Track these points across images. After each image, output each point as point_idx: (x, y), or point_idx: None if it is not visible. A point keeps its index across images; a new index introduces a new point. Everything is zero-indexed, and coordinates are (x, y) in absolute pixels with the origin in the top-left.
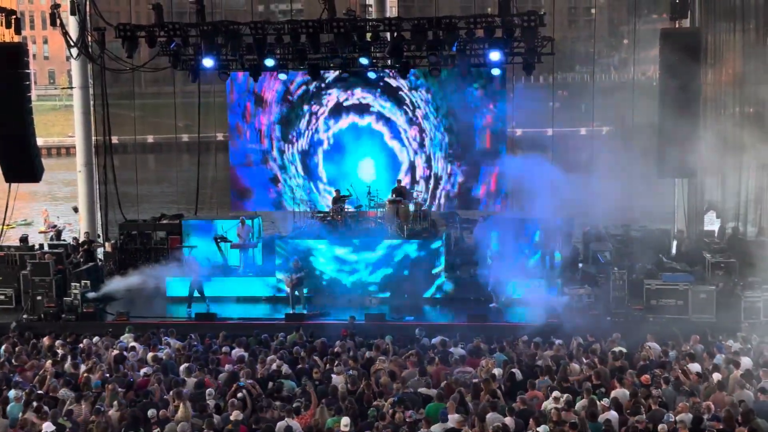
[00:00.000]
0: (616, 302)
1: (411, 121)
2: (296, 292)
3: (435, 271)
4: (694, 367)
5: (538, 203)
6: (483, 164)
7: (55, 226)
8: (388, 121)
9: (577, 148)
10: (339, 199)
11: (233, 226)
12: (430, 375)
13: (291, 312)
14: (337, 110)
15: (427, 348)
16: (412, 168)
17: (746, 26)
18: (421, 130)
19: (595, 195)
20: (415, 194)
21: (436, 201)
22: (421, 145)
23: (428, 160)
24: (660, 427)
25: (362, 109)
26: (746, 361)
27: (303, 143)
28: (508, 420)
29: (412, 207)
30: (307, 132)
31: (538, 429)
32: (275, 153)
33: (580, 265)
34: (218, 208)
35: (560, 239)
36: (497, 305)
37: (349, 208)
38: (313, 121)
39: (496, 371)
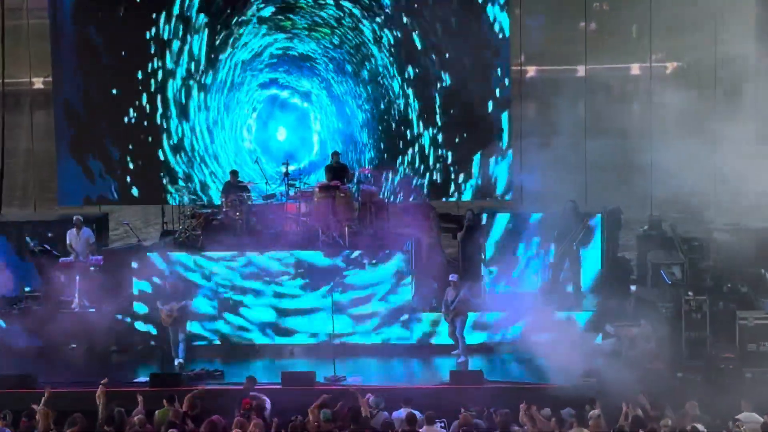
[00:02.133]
0: (691, 348)
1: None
2: (177, 335)
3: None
4: None
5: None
6: (476, 126)
7: None
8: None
9: (626, 97)
10: (237, 186)
11: (64, 231)
12: None
13: (160, 371)
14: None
15: (386, 428)
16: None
17: None
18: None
19: (656, 172)
20: (361, 175)
21: (399, 186)
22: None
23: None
24: None
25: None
26: None
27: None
28: None
29: (357, 196)
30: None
31: None
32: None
33: (632, 287)
34: (38, 201)
35: (599, 245)
36: (463, 356)
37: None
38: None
39: None
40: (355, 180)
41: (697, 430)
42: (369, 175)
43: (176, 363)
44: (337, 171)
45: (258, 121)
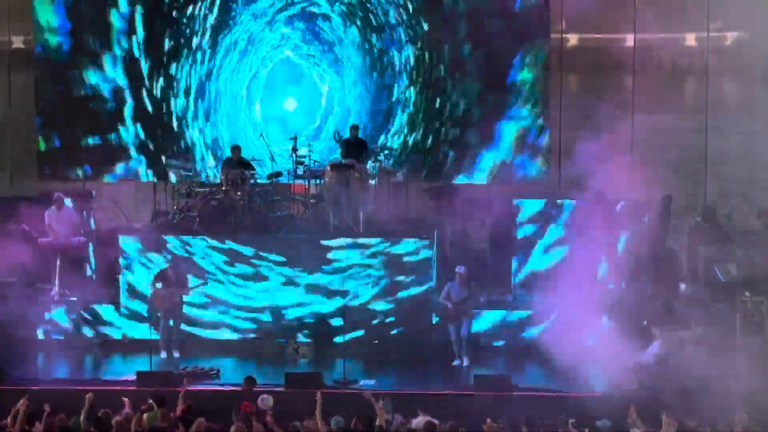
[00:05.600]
0: (746, 354)
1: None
2: (170, 326)
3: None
4: None
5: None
6: (507, 105)
7: None
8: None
9: (681, 70)
10: (239, 163)
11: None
12: None
13: (148, 369)
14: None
15: None
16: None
17: None
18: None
19: (712, 158)
20: (379, 151)
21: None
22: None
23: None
24: None
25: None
26: None
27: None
28: None
29: (373, 175)
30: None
31: None
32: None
33: (682, 286)
34: (16, 178)
35: (641, 235)
36: (465, 359)
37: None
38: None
39: None
40: (372, 155)
41: None
42: (387, 151)
43: (164, 357)
44: (354, 147)
45: (265, 90)
